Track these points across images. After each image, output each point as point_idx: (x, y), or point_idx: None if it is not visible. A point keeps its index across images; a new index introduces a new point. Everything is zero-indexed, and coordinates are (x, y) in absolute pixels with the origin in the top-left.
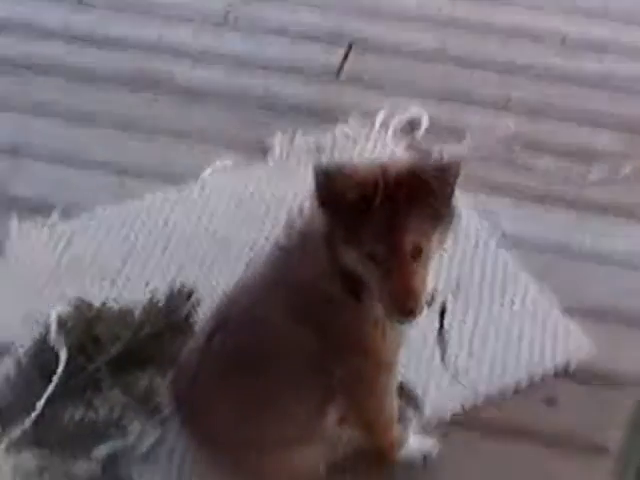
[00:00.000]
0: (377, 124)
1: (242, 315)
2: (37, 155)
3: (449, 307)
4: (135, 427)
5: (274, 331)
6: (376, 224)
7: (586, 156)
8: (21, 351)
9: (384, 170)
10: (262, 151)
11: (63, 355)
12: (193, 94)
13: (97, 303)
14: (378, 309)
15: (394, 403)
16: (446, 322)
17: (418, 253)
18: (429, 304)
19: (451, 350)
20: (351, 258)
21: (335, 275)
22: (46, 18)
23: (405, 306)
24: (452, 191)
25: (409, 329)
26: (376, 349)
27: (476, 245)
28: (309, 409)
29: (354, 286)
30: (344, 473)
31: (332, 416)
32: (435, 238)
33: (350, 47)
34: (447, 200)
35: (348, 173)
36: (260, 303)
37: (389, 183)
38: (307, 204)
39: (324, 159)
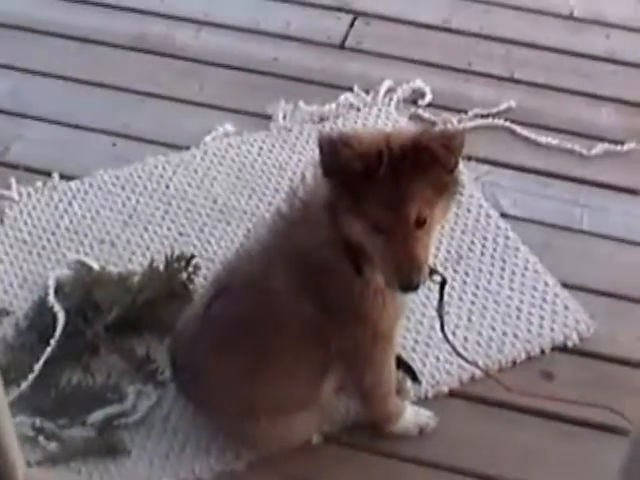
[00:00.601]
0: (381, 94)
1: (241, 282)
2: (37, 118)
3: (449, 278)
4: (131, 392)
5: (273, 299)
6: (381, 193)
7: (588, 132)
8: (20, 314)
9: (388, 139)
10: (265, 119)
11: (61, 318)
12: (197, 60)
13: (96, 267)
14: (379, 279)
15: (392, 374)
16: (446, 294)
17: (422, 222)
18: (430, 275)
19: (450, 322)
20: (355, 228)
21: (336, 245)
22: None
23: (409, 275)
24: (456, 160)
25: (409, 300)
26: (375, 319)
27: (477, 218)
28: (307, 376)
29: (355, 257)
30: (339, 443)
31: (329, 384)
32: (439, 207)
33: (355, 17)
34: (451, 169)
35: (353, 142)
36: (260, 271)
37: (394, 152)
38: (309, 173)
39: (327, 128)
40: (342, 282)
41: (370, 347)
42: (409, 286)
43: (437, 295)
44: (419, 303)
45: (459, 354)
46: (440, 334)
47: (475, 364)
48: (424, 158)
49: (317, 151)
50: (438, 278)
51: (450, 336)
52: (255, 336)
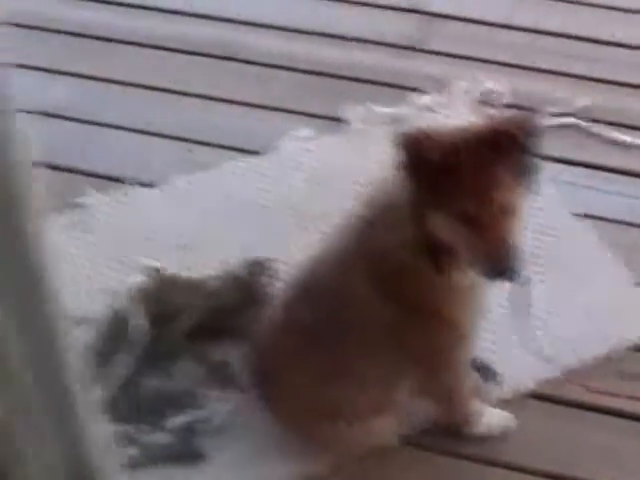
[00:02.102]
0: (454, 95)
1: (320, 286)
2: (111, 125)
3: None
4: (210, 398)
5: (352, 302)
6: (465, 183)
7: None
8: (99, 321)
9: (465, 130)
10: (338, 122)
11: (140, 325)
12: (269, 65)
13: (173, 273)
14: (460, 278)
15: (471, 376)
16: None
17: (507, 208)
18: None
19: (530, 323)
20: (439, 223)
21: (417, 245)
22: None
23: (503, 262)
24: (533, 142)
25: (486, 299)
26: (455, 320)
27: (551, 217)
28: (384, 380)
29: (437, 256)
30: (417, 446)
31: (406, 387)
32: (520, 193)
33: (427, 18)
34: (529, 152)
35: (431, 136)
36: (338, 274)
37: (471, 141)
38: (385, 175)
39: (400, 130)
40: (423, 283)
41: (450, 348)
42: (503, 270)
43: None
44: (497, 304)
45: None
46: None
47: (554, 363)
48: (502, 142)
49: (397, 151)
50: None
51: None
52: (334, 342)
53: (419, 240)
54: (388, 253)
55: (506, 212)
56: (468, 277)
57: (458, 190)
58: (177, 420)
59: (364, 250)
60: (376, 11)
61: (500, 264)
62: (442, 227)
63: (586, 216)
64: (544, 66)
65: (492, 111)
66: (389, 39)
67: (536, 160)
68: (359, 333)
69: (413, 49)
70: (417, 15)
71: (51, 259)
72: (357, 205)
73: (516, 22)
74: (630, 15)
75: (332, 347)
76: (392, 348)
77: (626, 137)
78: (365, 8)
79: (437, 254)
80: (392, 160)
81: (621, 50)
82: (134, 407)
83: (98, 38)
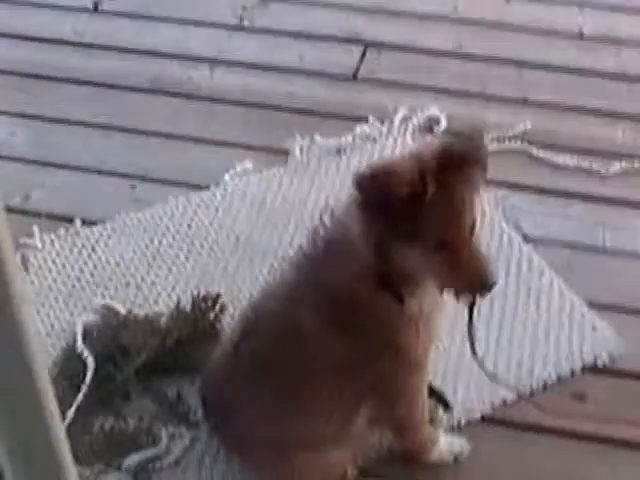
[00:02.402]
0: (396, 124)
1: (269, 323)
2: (56, 165)
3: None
4: (165, 435)
5: (303, 339)
6: (435, 211)
7: (606, 150)
8: (49, 361)
9: (418, 158)
10: (282, 154)
11: (91, 364)
12: (211, 99)
13: (123, 310)
14: (419, 306)
15: (425, 403)
16: (475, 314)
17: (474, 227)
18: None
19: (479, 348)
20: (411, 255)
21: (369, 278)
22: (62, 26)
23: (487, 278)
24: (486, 155)
25: (440, 328)
26: (410, 349)
27: (499, 243)
28: (340, 411)
29: (396, 288)
30: (375, 475)
31: (362, 418)
32: (478, 207)
33: (366, 47)
34: (485, 165)
35: (392, 171)
36: (287, 309)
37: (432, 167)
38: (332, 209)
39: (344, 160)
40: (376, 315)
41: (404, 377)
42: (492, 284)
43: (465, 318)
44: (448, 330)
45: (488, 374)
46: (471, 355)
47: (506, 384)
48: (459, 161)
49: (357, 193)
50: (466, 300)
51: (481, 358)
52: (286, 376)
53: (371, 274)
54: (339, 288)
55: (473, 230)
56: (426, 305)
57: (431, 220)
58: (133, 459)
59: (312, 287)
60: (316, 42)
61: (488, 279)
62: (414, 258)
63: (534, 240)
64: (483, 92)
65: (433, 138)
66: (330, 69)
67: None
68: (312, 368)
69: (354, 79)
70: (357, 45)
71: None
72: (304, 238)
73: (465, 50)
74: (572, 40)
75: (285, 383)
76: (347, 381)
77: (565, 159)
78: (305, 40)
79: (397, 285)
80: (341, 194)
81: (561, 75)
82: (88, 448)
83: (33, 76)
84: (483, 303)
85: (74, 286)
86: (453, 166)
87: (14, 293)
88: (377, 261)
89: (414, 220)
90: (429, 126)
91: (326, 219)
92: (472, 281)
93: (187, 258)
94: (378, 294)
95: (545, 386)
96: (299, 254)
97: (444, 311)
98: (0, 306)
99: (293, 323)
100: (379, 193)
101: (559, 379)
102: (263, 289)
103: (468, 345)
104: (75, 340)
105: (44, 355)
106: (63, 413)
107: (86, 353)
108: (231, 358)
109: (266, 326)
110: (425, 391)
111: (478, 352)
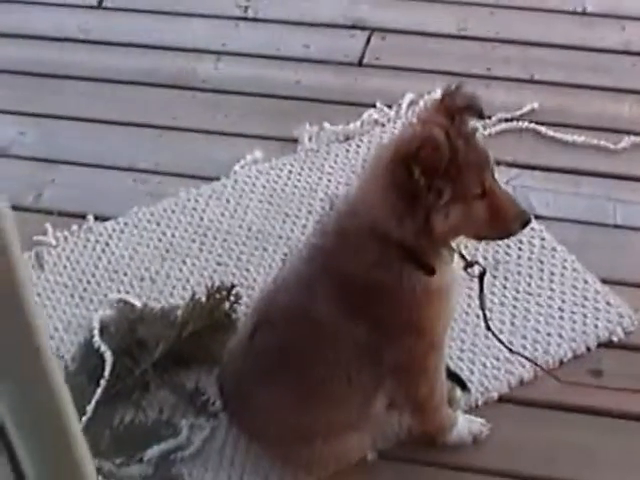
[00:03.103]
0: (404, 108)
1: (283, 314)
2: (67, 162)
3: (489, 285)
4: (185, 426)
5: (319, 325)
6: (469, 166)
7: (614, 126)
8: (67, 357)
9: (433, 120)
10: (292, 142)
11: (109, 359)
12: (218, 90)
13: (139, 304)
14: (436, 281)
15: (444, 383)
16: (486, 291)
17: (494, 170)
18: (470, 266)
19: (494, 328)
20: (455, 215)
21: (394, 260)
22: (67, 24)
23: (525, 214)
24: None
25: (456, 305)
26: (432, 326)
27: None
28: (358, 396)
29: (426, 260)
30: (394, 458)
31: (381, 401)
32: None
33: (371, 33)
34: (481, 110)
35: (430, 139)
36: (302, 298)
37: (450, 126)
38: (333, 200)
39: (354, 146)
40: (396, 296)
41: (424, 357)
42: (530, 218)
43: (477, 291)
44: (461, 311)
45: (505, 345)
46: (485, 327)
47: (521, 354)
48: (469, 113)
49: (401, 168)
50: (477, 270)
51: (495, 331)
52: (303, 365)
53: (409, 251)
54: (356, 274)
55: (494, 173)
56: (445, 281)
57: (467, 174)
58: (154, 451)
59: (326, 275)
60: (321, 30)
61: (524, 215)
62: (459, 217)
63: (545, 218)
64: (489, 73)
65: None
66: (336, 57)
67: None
68: (329, 356)
69: (360, 65)
70: (362, 31)
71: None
72: (316, 226)
73: (469, 32)
74: (576, 17)
75: (302, 372)
76: (365, 366)
77: (573, 137)
78: (309, 28)
79: (428, 258)
80: (352, 180)
81: (566, 52)
82: (109, 441)
83: (41, 75)
84: (496, 283)
85: (89, 282)
86: (463, 118)
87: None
88: (415, 237)
89: (455, 179)
90: None
91: (331, 209)
92: (512, 221)
93: (200, 250)
94: (404, 274)
95: (561, 363)
96: (307, 246)
97: (460, 288)
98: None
99: (308, 316)
100: (431, 163)
101: (575, 356)
102: (275, 279)
103: (482, 317)
104: (92, 335)
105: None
106: (83, 408)
107: (104, 347)
108: (247, 348)
109: (281, 317)
110: (444, 371)
111: (490, 323)
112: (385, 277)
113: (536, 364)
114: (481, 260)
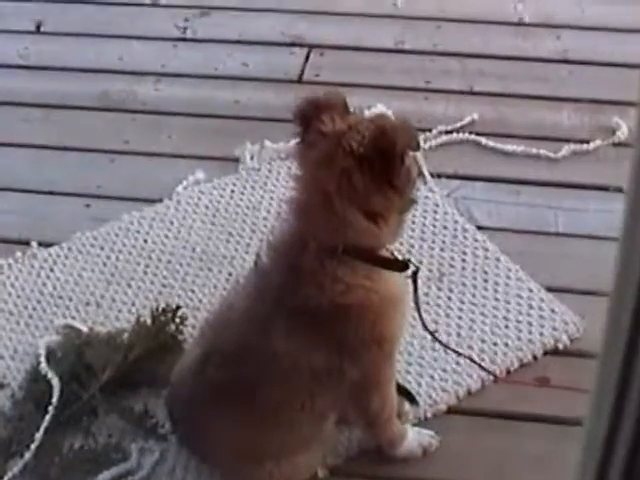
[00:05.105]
0: None
1: (235, 345)
2: (8, 189)
3: (433, 297)
4: (134, 450)
5: (274, 359)
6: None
7: (553, 135)
8: (14, 385)
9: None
10: (234, 162)
11: (56, 385)
12: (159, 112)
13: (85, 329)
14: (394, 287)
15: (395, 396)
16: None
17: None
18: (404, 267)
19: (441, 339)
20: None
21: (344, 280)
22: (6, 50)
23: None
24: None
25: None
26: (389, 337)
27: (454, 234)
28: (311, 419)
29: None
30: (345, 474)
31: (331, 418)
32: None
33: (310, 50)
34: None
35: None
36: (255, 335)
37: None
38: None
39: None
40: (357, 312)
41: (379, 370)
42: None
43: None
44: (407, 325)
45: (441, 343)
46: (422, 327)
47: (456, 351)
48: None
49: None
50: (410, 269)
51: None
52: (255, 395)
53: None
54: (310, 300)
55: None
56: (399, 286)
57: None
58: (104, 476)
59: (285, 310)
60: (259, 48)
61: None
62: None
63: (488, 229)
64: (428, 86)
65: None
66: (275, 74)
67: None
68: (284, 386)
69: (300, 82)
70: (300, 48)
71: None
72: (262, 249)
73: (407, 46)
74: (512, 28)
75: (255, 400)
76: (320, 390)
77: (513, 147)
78: (248, 46)
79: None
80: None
81: (503, 63)
82: (59, 468)
83: None
84: (441, 295)
85: (35, 308)
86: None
87: None
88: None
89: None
90: None
91: (278, 228)
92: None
93: (145, 272)
94: (360, 289)
95: (508, 372)
96: (253, 283)
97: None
98: None
99: (263, 349)
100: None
101: (522, 364)
102: (221, 306)
103: (417, 318)
104: (39, 362)
105: None
106: (31, 436)
107: (51, 374)
108: (197, 377)
109: (232, 350)
110: (394, 383)
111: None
112: (344, 296)
113: (473, 361)
114: (425, 272)
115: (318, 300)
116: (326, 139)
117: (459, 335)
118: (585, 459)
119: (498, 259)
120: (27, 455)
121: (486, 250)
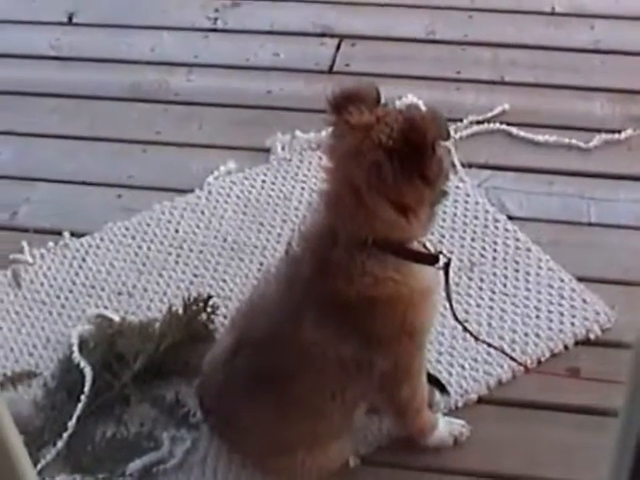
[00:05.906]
0: None
1: (267, 334)
2: (41, 179)
3: (464, 286)
4: (166, 438)
5: (304, 349)
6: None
7: (585, 125)
8: (47, 374)
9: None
10: (264, 152)
11: (89, 374)
12: (192, 103)
13: (117, 318)
14: (425, 280)
15: (425, 385)
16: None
17: None
18: (435, 259)
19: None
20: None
21: (373, 272)
22: (39, 42)
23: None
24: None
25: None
26: (419, 328)
27: (485, 224)
28: (342, 409)
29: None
30: (376, 463)
31: (362, 408)
32: None
33: (340, 40)
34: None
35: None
36: (286, 325)
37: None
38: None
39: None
40: (388, 304)
41: (410, 360)
42: None
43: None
44: (438, 314)
45: (471, 334)
46: (453, 318)
47: (487, 342)
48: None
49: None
50: (442, 260)
51: (466, 326)
52: (286, 385)
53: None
54: (346, 295)
55: None
56: (430, 278)
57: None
58: (136, 464)
59: (315, 301)
60: (290, 38)
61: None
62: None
63: (519, 219)
64: (459, 76)
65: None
66: (306, 65)
67: None
68: (315, 376)
69: (330, 72)
70: (331, 39)
71: None
72: (293, 239)
73: (438, 36)
74: (544, 17)
75: (286, 390)
76: (350, 381)
77: (544, 137)
78: (279, 37)
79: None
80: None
81: (536, 52)
82: (91, 457)
83: (13, 93)
84: (472, 285)
85: (67, 298)
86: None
87: None
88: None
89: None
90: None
91: (311, 220)
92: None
93: (176, 262)
94: (390, 281)
95: (539, 362)
96: (283, 273)
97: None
98: None
99: (294, 339)
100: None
101: (553, 354)
102: (252, 295)
103: (449, 308)
104: (72, 351)
105: None
106: (64, 424)
107: (83, 363)
108: (228, 365)
109: (263, 339)
110: (425, 373)
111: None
112: (372, 289)
113: (504, 352)
114: (456, 262)
115: (346, 292)
116: (354, 132)
117: (490, 325)
118: (620, 451)
119: (529, 249)
120: (60, 444)
121: (517, 240)
